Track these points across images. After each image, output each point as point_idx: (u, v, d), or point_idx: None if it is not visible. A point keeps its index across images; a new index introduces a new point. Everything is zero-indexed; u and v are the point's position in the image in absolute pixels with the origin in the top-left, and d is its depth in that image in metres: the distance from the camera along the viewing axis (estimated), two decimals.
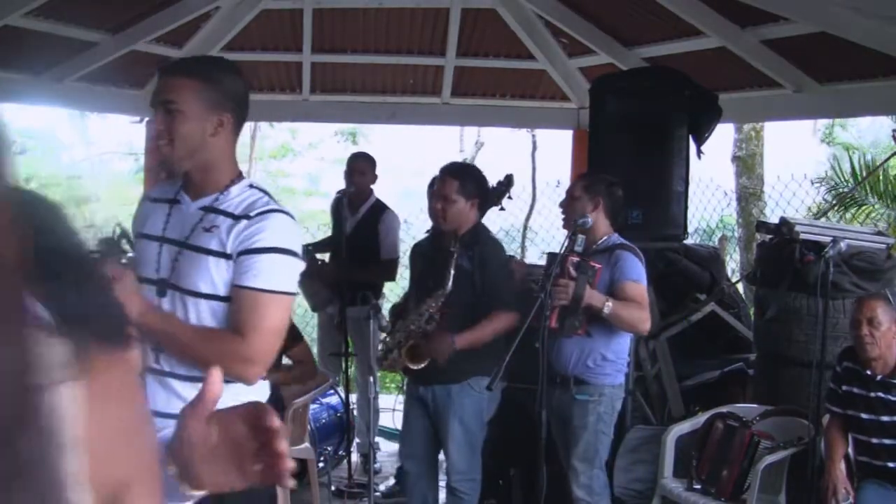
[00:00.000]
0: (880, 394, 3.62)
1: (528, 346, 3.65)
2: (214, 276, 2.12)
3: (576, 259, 3.67)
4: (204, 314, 2.14)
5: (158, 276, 2.20)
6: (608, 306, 3.64)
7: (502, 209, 4.54)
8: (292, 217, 2.20)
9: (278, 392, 4.31)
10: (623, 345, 3.88)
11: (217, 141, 2.19)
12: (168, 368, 2.16)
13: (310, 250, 5.55)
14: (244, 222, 2.10)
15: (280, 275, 2.10)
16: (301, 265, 2.16)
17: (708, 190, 9.58)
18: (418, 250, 4.29)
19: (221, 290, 2.12)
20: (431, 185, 4.18)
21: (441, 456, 4.23)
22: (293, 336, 4.34)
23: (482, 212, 4.10)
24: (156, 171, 6.08)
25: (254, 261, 2.07)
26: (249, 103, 2.30)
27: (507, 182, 4.55)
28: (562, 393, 3.79)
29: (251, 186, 2.23)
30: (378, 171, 5.61)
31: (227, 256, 2.10)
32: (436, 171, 4.15)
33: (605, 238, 3.85)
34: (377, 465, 5.30)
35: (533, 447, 3.69)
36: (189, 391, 2.05)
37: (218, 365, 1.76)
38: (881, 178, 8.20)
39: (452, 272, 3.81)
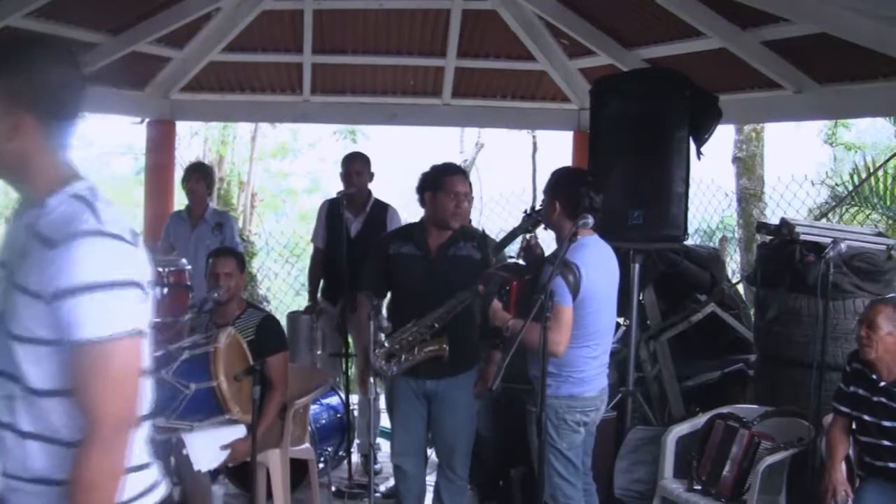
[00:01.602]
0: (883, 399, 3.61)
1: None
2: (24, 316, 1.71)
3: (490, 272, 3.70)
4: (22, 361, 1.73)
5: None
6: (507, 327, 3.55)
7: (529, 232, 4.58)
8: (112, 236, 1.72)
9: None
10: (567, 357, 3.58)
11: (17, 147, 1.74)
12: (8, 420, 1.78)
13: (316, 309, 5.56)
14: (50, 253, 1.68)
15: (102, 317, 1.67)
16: (131, 292, 1.74)
17: (708, 191, 9.58)
18: (396, 251, 4.11)
19: (37, 332, 1.71)
20: (437, 188, 4.04)
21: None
22: (270, 344, 4.23)
23: None
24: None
25: (68, 307, 1.65)
26: (75, 92, 1.80)
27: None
28: None
29: (74, 196, 1.76)
30: (377, 171, 5.60)
31: (36, 296, 1.69)
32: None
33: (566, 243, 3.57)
34: (377, 466, 5.30)
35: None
36: (29, 449, 1.76)
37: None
38: (878, 180, 8.18)
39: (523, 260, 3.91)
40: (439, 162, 4.19)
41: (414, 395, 4.08)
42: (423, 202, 4.09)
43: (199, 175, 5.79)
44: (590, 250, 3.64)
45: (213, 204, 6.21)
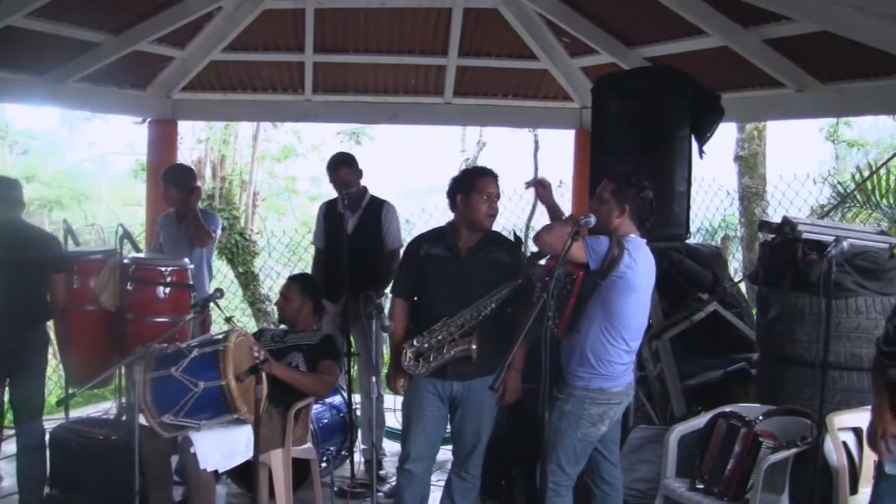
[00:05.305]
0: None
1: (533, 347, 3.66)
2: None
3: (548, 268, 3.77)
4: None
5: None
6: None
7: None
8: None
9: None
10: (606, 351, 3.74)
11: None
12: None
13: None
14: None
15: None
16: None
17: (710, 189, 9.58)
18: (426, 252, 4.14)
19: None
20: (470, 189, 4.02)
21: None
22: (327, 351, 4.59)
23: None
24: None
25: None
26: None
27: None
28: None
29: None
30: (380, 171, 5.59)
31: None
32: (441, 171, 4.17)
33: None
34: (383, 472, 5.29)
35: (535, 447, 3.70)
36: None
37: None
38: (880, 179, 8.16)
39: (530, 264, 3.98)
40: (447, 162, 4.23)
41: (438, 398, 4.06)
42: (453, 206, 4.10)
43: (166, 182, 5.81)
44: (641, 247, 3.85)
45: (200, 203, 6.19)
